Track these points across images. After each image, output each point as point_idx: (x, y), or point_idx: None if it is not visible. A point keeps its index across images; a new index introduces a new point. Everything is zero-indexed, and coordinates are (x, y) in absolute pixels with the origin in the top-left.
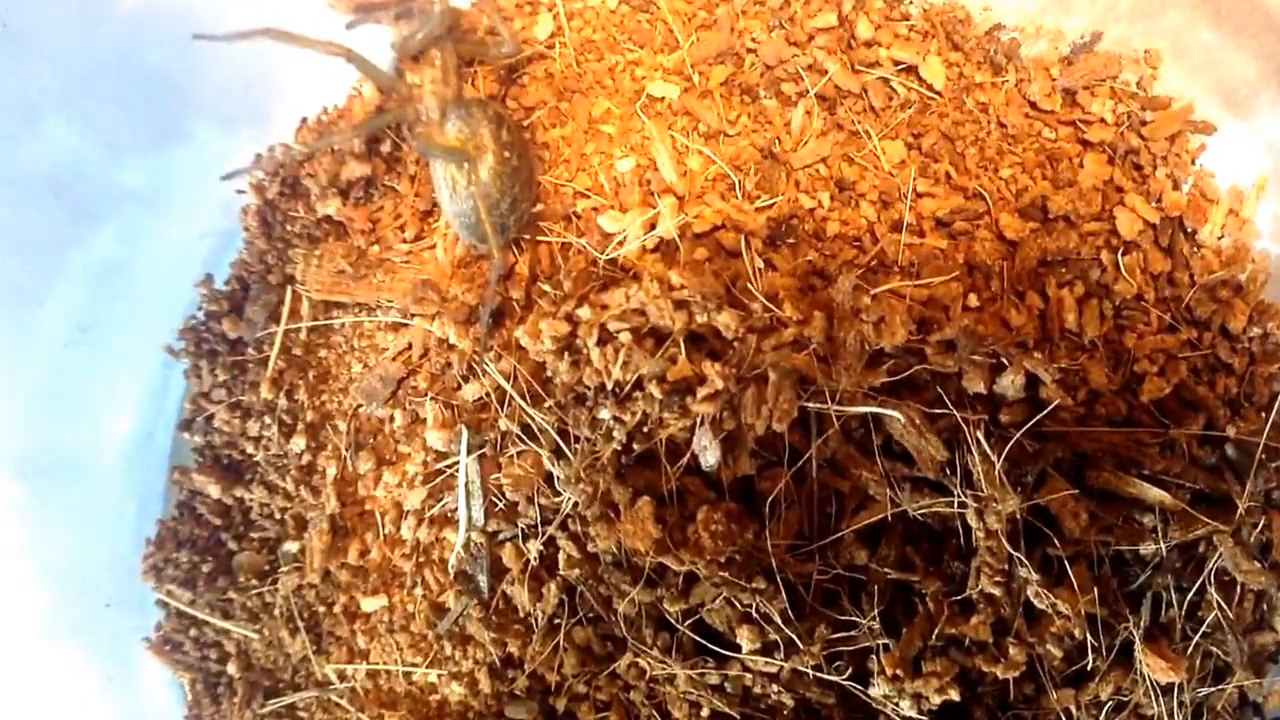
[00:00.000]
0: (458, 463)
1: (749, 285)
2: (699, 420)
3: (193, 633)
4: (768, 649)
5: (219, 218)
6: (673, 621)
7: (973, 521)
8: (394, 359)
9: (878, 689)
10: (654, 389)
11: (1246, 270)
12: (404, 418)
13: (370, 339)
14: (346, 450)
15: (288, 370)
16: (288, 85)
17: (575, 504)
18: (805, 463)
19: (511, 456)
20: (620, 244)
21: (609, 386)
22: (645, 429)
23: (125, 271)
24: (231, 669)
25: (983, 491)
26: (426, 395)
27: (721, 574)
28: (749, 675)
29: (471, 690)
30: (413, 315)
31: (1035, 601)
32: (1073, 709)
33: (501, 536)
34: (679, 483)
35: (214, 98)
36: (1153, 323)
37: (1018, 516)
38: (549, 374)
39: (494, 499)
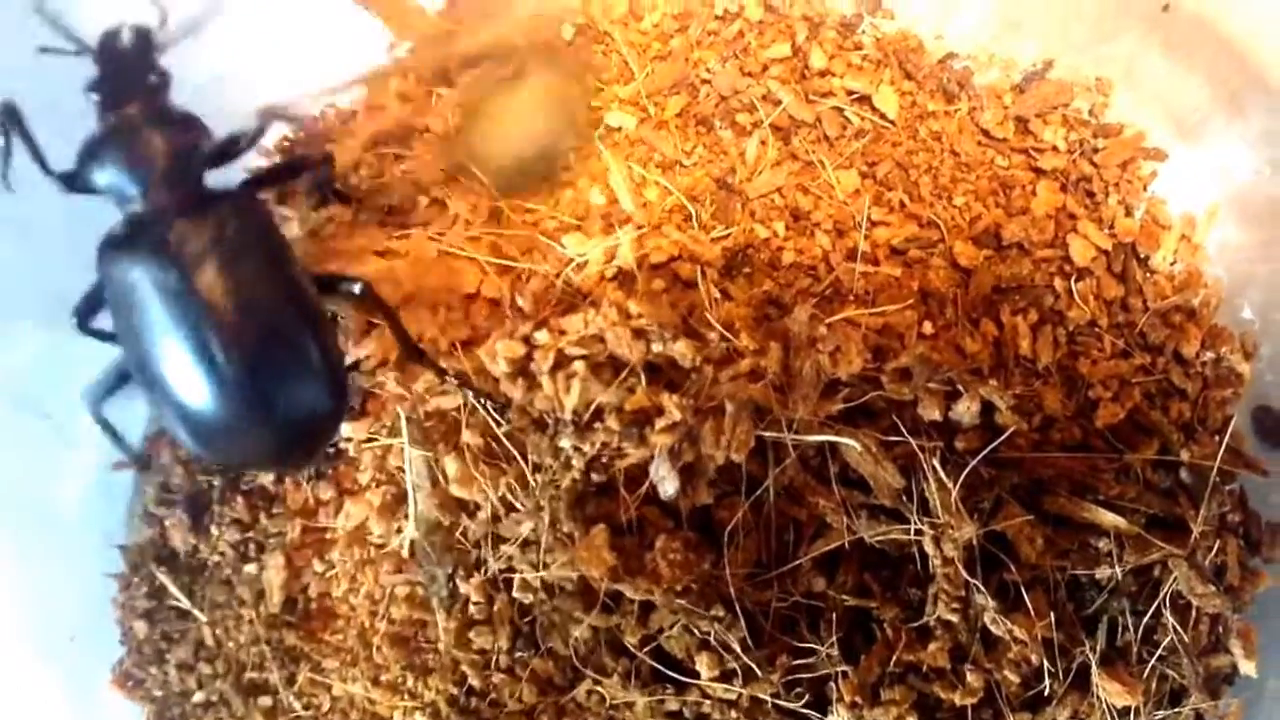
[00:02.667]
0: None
1: (706, 315)
2: (657, 451)
3: (152, 669)
4: (726, 676)
5: None
6: (631, 648)
7: (929, 549)
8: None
9: (836, 717)
10: (612, 420)
11: (1199, 295)
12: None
13: None
14: (307, 482)
15: None
16: None
17: (533, 528)
18: (763, 491)
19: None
20: (581, 266)
21: (564, 416)
22: (604, 459)
23: None
24: (198, 697)
25: (939, 519)
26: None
27: (679, 602)
28: (708, 702)
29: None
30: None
31: (992, 628)
32: None
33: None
34: (638, 512)
35: None
36: (1106, 348)
37: (974, 543)
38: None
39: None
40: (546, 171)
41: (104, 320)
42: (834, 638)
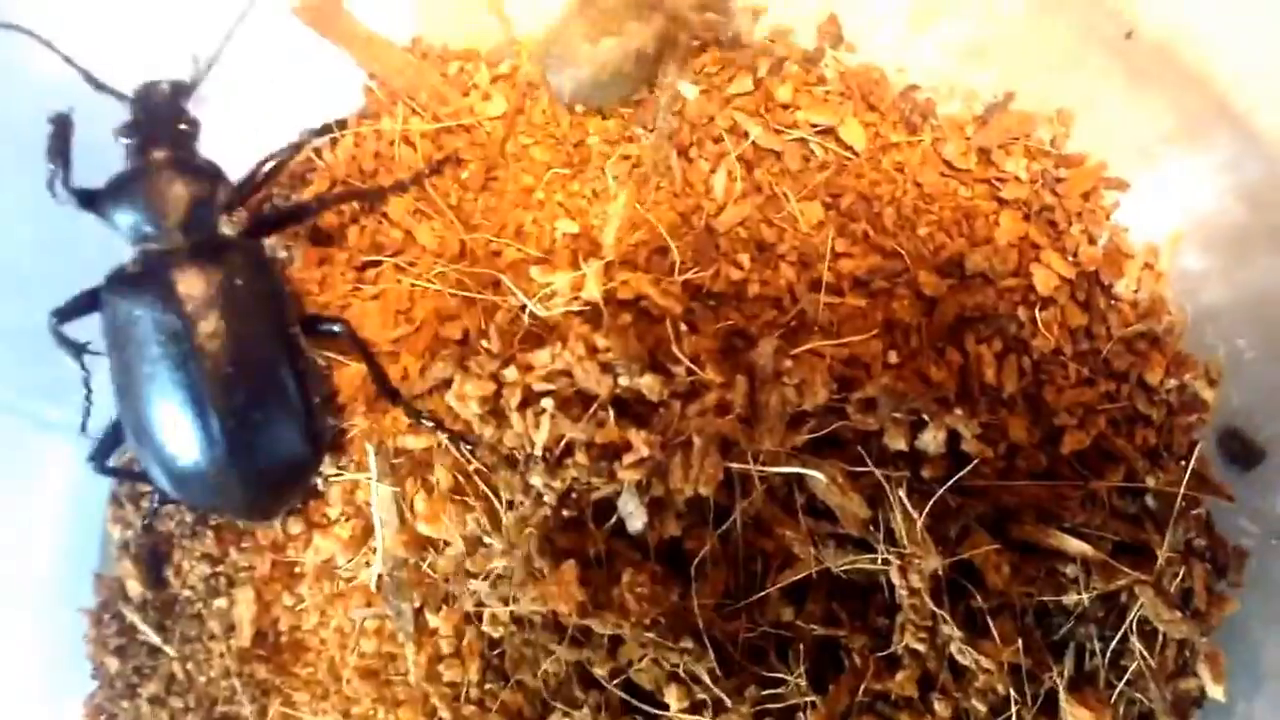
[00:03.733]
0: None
1: (673, 349)
2: (625, 486)
3: (124, 703)
4: (696, 708)
5: None
6: (601, 680)
7: (895, 578)
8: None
9: None
10: (581, 455)
11: (1163, 323)
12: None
13: None
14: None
15: None
16: None
17: (504, 564)
18: (730, 523)
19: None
20: (548, 298)
21: (535, 452)
22: (574, 494)
23: None
24: None
25: (905, 548)
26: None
27: (648, 635)
28: None
29: None
30: None
31: (959, 657)
32: None
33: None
34: (606, 545)
35: None
36: (1071, 376)
37: (940, 573)
38: (475, 435)
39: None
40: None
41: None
42: (802, 667)
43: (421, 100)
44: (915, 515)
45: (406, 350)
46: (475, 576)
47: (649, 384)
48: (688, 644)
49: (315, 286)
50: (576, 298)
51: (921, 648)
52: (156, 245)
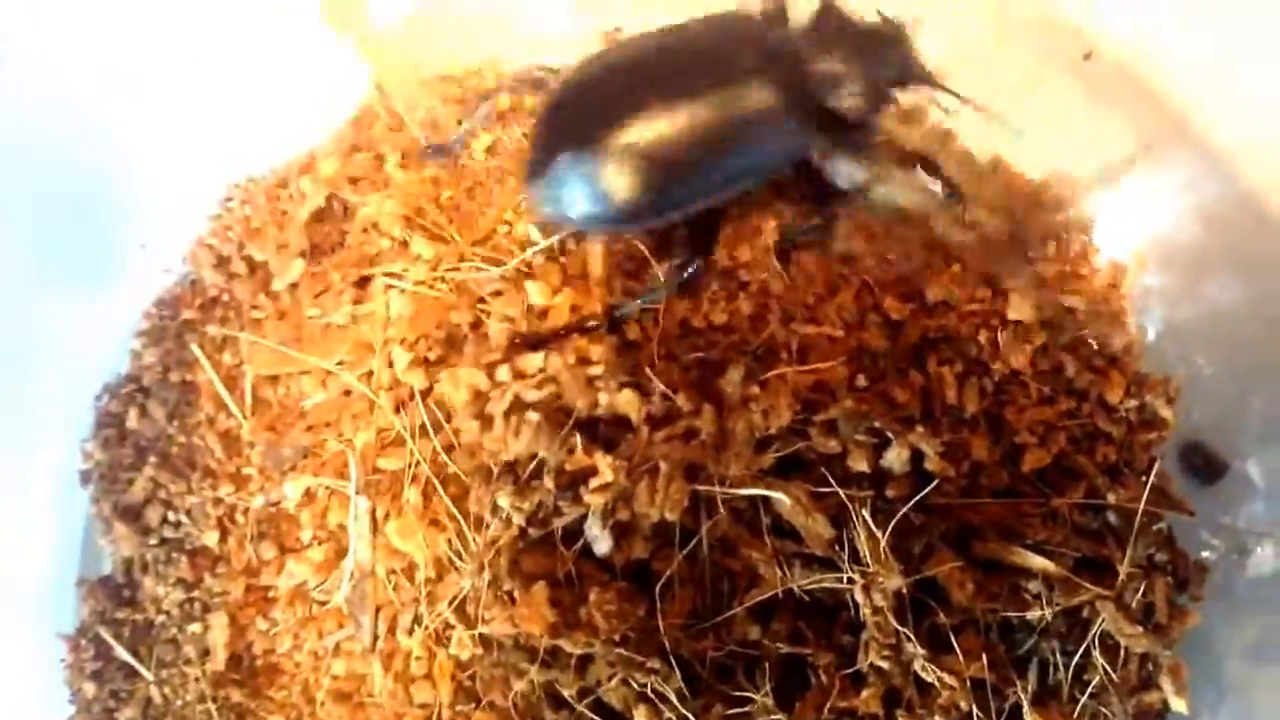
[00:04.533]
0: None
1: (648, 372)
2: (591, 510)
3: None
4: None
5: None
6: (570, 700)
7: (859, 598)
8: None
9: None
10: (548, 480)
11: (1122, 342)
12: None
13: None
14: (249, 541)
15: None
16: None
17: (473, 585)
18: (697, 544)
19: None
20: (543, 316)
21: (508, 457)
22: (541, 516)
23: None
24: None
25: (869, 567)
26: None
27: (617, 651)
28: None
29: None
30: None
31: (922, 674)
32: None
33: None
34: (575, 566)
35: None
36: (1032, 395)
37: (903, 590)
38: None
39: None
40: None
41: None
42: (769, 685)
43: (416, 118)
44: (879, 534)
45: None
46: (443, 600)
47: (628, 400)
48: (655, 664)
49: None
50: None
51: (886, 665)
52: None
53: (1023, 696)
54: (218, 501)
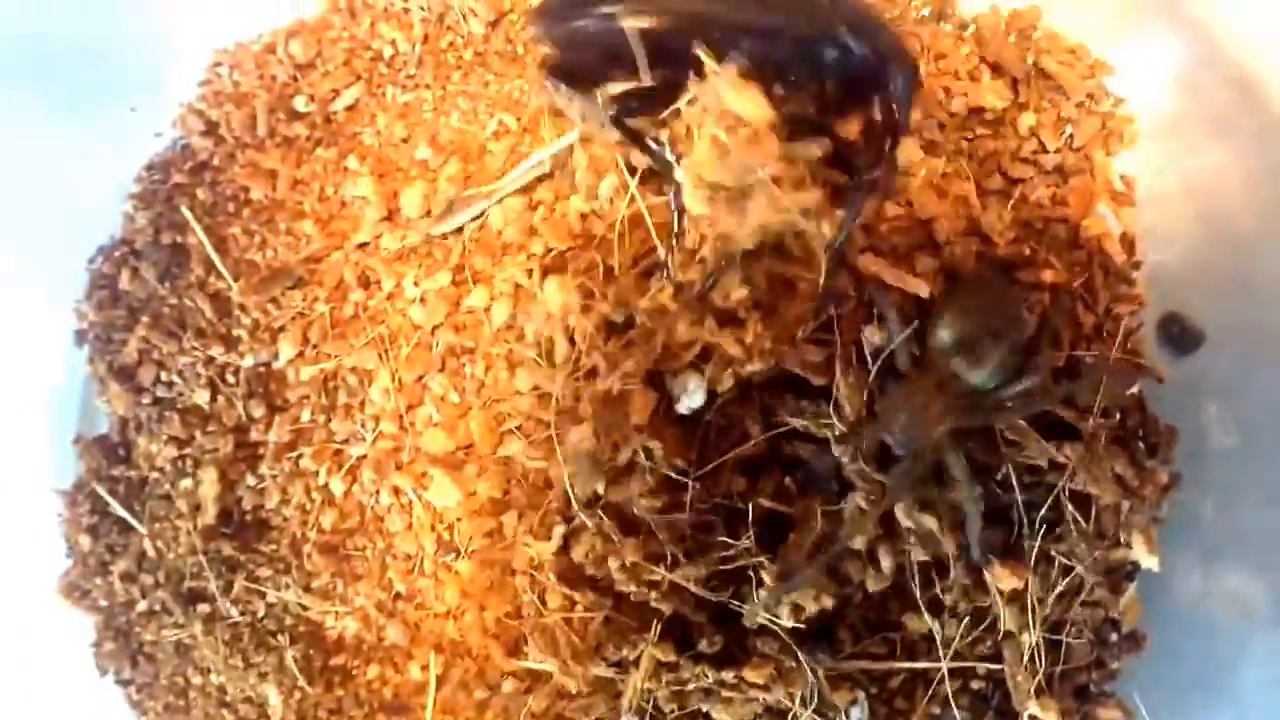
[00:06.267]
0: None
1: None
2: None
3: (97, 580)
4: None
5: None
6: None
7: (836, 450)
8: None
9: (757, 602)
10: None
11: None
12: None
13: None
14: (240, 400)
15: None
16: None
17: None
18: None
19: None
20: None
21: None
22: None
23: None
24: (141, 606)
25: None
26: None
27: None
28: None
29: (365, 623)
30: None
31: (903, 520)
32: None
33: None
34: None
35: None
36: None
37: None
38: None
39: None
40: None
41: None
42: (750, 532)
43: None
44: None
45: None
46: None
47: None
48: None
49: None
50: None
51: (867, 507)
52: None
53: (974, 547)
54: (209, 361)
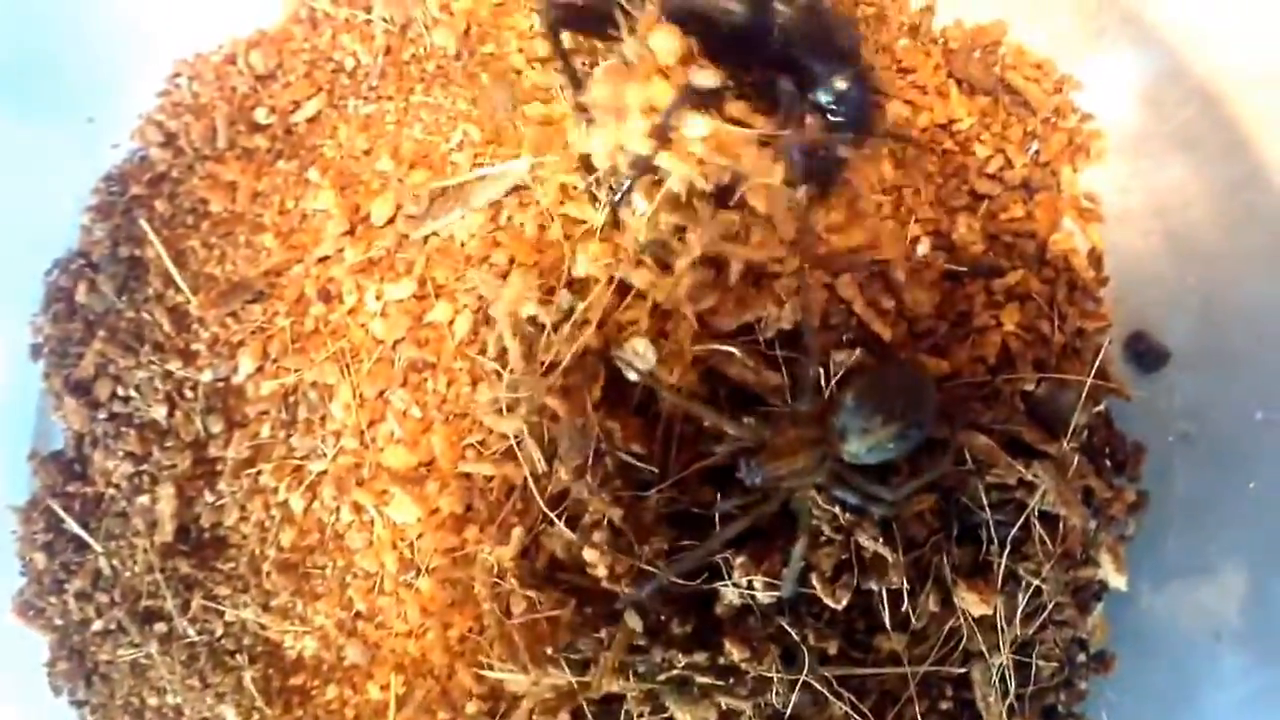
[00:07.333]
0: None
1: None
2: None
3: (52, 599)
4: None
5: None
6: None
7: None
8: None
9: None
10: None
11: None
12: None
13: None
14: (198, 415)
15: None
16: None
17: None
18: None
19: None
20: None
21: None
22: None
23: None
24: (96, 625)
25: None
26: None
27: None
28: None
29: (324, 643)
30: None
31: (866, 545)
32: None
33: None
34: None
35: None
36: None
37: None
38: None
39: None
40: None
41: None
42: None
43: None
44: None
45: None
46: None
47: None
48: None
49: None
50: None
51: (836, 536)
52: None
53: (946, 567)
54: (166, 375)
